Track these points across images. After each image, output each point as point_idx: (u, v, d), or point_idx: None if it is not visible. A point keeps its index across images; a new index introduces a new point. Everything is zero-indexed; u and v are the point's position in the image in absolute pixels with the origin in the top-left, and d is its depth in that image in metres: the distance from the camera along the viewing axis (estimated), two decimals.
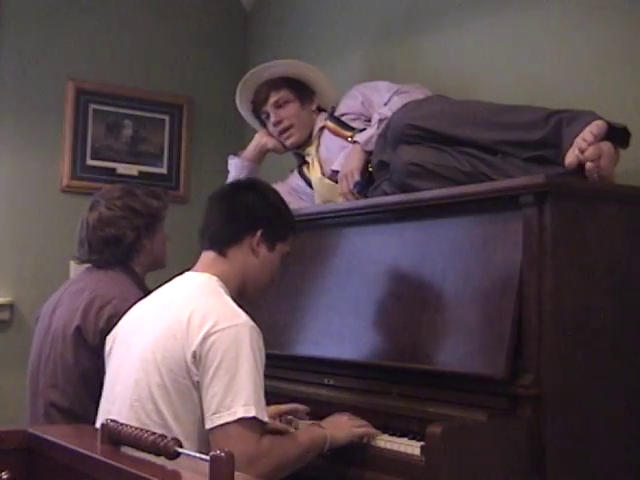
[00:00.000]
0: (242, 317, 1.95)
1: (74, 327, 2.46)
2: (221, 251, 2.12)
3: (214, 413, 1.86)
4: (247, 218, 2.14)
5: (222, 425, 1.85)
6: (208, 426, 1.87)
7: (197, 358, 1.90)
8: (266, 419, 1.90)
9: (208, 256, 2.14)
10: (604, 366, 2.06)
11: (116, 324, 2.22)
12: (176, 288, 2.11)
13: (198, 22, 4.08)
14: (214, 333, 1.90)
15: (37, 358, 2.57)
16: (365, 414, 2.22)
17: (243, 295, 2.15)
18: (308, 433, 2.10)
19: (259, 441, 1.88)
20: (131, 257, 2.61)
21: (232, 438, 1.83)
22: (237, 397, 1.85)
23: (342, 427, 2.14)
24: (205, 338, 1.90)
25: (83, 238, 2.61)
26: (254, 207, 2.15)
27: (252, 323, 1.95)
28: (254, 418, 1.86)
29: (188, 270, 2.15)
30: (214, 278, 2.07)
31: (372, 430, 2.15)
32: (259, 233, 2.12)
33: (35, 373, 2.56)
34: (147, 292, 2.53)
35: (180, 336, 1.92)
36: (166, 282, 2.18)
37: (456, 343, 2.10)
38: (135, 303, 2.23)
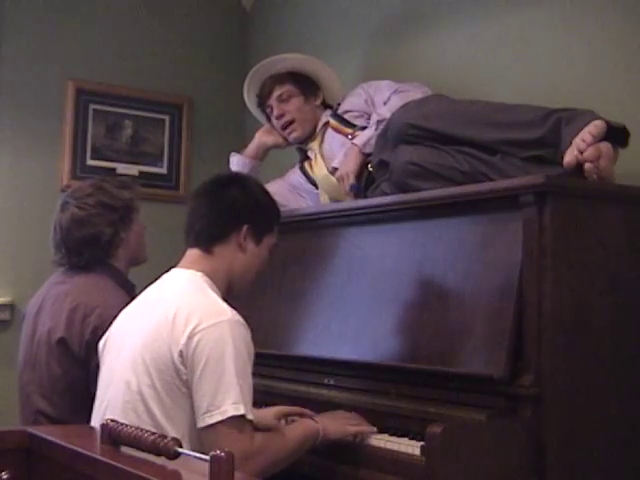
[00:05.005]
0: (227, 313, 1.94)
1: (59, 338, 2.38)
2: (207, 249, 2.10)
3: (205, 412, 1.87)
4: (232, 215, 2.12)
5: (213, 424, 1.86)
6: (199, 425, 1.88)
7: (184, 357, 1.90)
8: (251, 417, 1.90)
9: (193, 253, 2.12)
10: (604, 366, 2.06)
11: (102, 334, 2.20)
12: (162, 286, 2.11)
13: (198, 22, 4.08)
14: (199, 332, 1.89)
15: (24, 363, 2.49)
16: (365, 414, 2.22)
17: (231, 291, 2.14)
18: (300, 428, 2.10)
19: (251, 439, 1.90)
20: (111, 254, 2.51)
21: (224, 437, 1.84)
22: (226, 396, 1.86)
23: (336, 422, 2.15)
24: (190, 337, 1.90)
25: (59, 242, 2.50)
26: (238, 203, 2.13)
27: (238, 318, 1.95)
28: (243, 416, 1.87)
29: (173, 267, 2.14)
30: (199, 274, 2.06)
31: (367, 428, 2.16)
32: (245, 229, 2.11)
33: (24, 379, 2.48)
34: (133, 289, 2.51)
35: (166, 335, 1.93)
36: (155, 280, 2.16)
37: (456, 343, 2.10)
38: (121, 307, 2.20)
